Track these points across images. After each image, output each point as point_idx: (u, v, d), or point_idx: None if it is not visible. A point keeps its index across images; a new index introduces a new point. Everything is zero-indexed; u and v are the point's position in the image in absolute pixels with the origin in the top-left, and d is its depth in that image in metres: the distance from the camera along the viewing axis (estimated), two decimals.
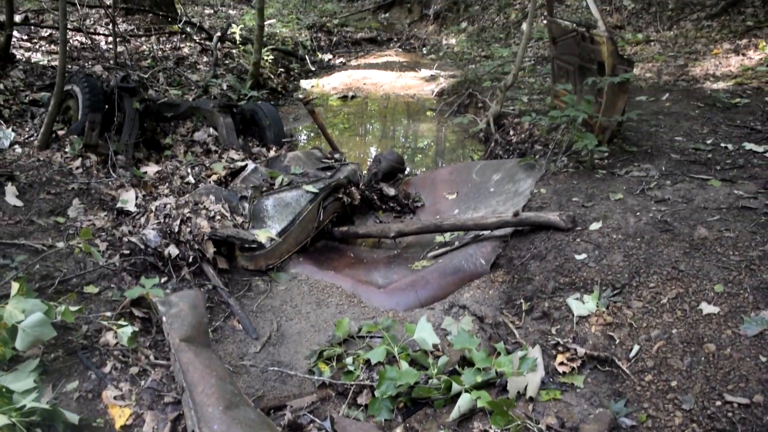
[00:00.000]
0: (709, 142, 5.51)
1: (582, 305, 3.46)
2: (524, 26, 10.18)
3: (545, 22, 6.83)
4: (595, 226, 4.08)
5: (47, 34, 8.76)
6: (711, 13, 9.59)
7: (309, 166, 5.47)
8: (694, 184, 4.55)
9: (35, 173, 5.00)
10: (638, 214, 4.11)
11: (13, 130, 5.72)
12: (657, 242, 3.72)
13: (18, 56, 7.42)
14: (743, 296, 3.10)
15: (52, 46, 8.28)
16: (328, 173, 5.34)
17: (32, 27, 8.78)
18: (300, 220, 4.78)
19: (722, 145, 5.40)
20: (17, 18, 8.45)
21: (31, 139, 5.67)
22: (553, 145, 5.65)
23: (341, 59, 13.18)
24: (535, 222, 4.27)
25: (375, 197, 5.60)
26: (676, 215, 3.99)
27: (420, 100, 9.80)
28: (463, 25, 14.07)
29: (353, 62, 12.90)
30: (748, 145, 5.29)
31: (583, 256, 3.83)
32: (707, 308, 3.10)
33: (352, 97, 10.01)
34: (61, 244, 4.07)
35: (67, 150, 5.47)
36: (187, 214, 4.37)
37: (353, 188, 5.34)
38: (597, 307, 3.40)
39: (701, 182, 4.58)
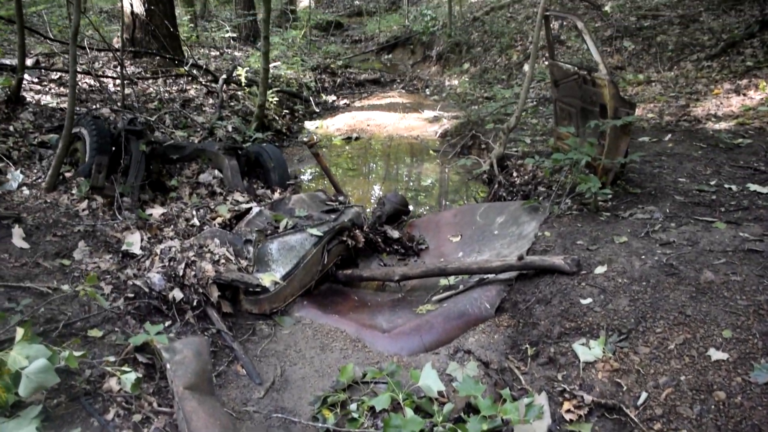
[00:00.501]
0: (712, 183, 5.53)
1: (588, 351, 3.43)
2: (526, 67, 10.32)
3: (547, 63, 6.92)
4: (600, 269, 4.07)
5: (57, 77, 8.88)
6: (711, 53, 9.70)
7: (313, 208, 5.49)
8: (699, 226, 4.55)
9: (42, 215, 5.03)
10: (643, 257, 4.10)
11: (21, 172, 5.77)
12: (663, 286, 3.70)
13: (28, 98, 7.52)
14: (752, 342, 3.07)
15: (62, 89, 8.39)
16: (333, 216, 5.36)
17: (43, 70, 8.90)
18: (304, 264, 4.78)
19: (726, 186, 5.41)
20: (29, 62, 8.59)
21: (39, 180, 5.72)
22: (556, 187, 5.68)
23: (345, 100, 13.32)
24: (540, 266, 4.27)
25: (379, 240, 5.61)
26: (681, 258, 3.98)
27: (423, 141, 9.88)
28: (466, 66, 14.24)
29: (357, 103, 13.04)
30: (753, 186, 5.30)
31: (589, 300, 3.81)
32: (716, 354, 3.07)
33: (356, 138, 10.08)
34: (66, 287, 4.08)
35: (74, 192, 5.51)
36: (192, 258, 4.38)
37: (357, 231, 5.35)
38: (603, 352, 3.38)
39: (706, 224, 4.57)
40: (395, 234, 5.73)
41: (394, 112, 11.70)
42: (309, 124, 11.06)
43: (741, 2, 10.83)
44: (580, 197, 5.43)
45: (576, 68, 5.90)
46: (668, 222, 4.72)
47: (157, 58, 10.45)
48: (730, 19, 10.47)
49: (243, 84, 10.78)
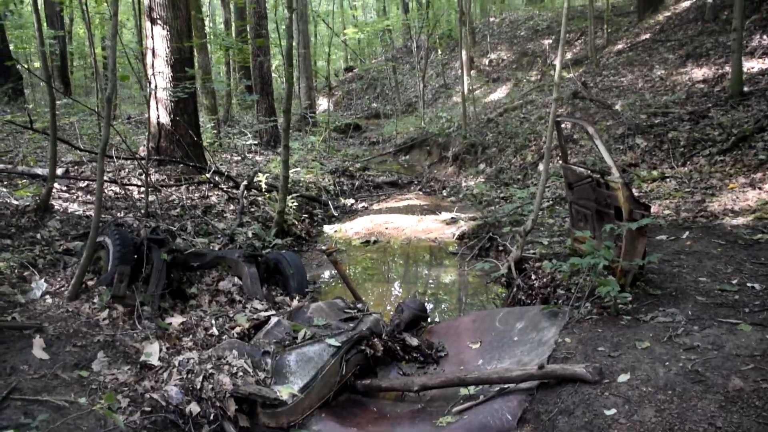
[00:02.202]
0: (734, 282, 5.46)
1: None
2: (541, 167, 10.49)
3: (560, 163, 7.05)
4: (623, 377, 3.98)
5: (85, 184, 9.18)
6: (722, 148, 9.80)
7: (332, 317, 5.49)
8: (723, 329, 4.47)
9: (63, 324, 5.08)
10: (667, 363, 4.02)
11: (45, 281, 5.89)
12: (690, 395, 3.60)
13: (56, 206, 7.76)
14: None
15: (89, 197, 8.65)
16: (351, 324, 5.35)
17: (71, 179, 9.22)
18: (323, 375, 4.73)
19: (749, 285, 5.34)
20: (59, 171, 8.90)
21: (62, 289, 5.82)
22: (575, 290, 5.64)
23: (363, 203, 13.51)
24: (561, 375, 4.19)
25: (398, 348, 5.55)
26: (707, 364, 3.89)
27: (441, 243, 9.93)
28: (481, 166, 14.50)
29: (375, 206, 13.22)
30: None
31: (613, 411, 3.70)
32: None
33: (375, 241, 10.16)
34: (83, 400, 4.07)
35: (95, 301, 5.58)
36: (210, 370, 4.36)
37: (376, 340, 5.31)
38: None
39: (730, 327, 4.49)
40: (414, 341, 5.68)
41: (412, 215, 11.84)
42: (328, 228, 11.21)
43: (747, 98, 11.06)
44: (599, 300, 5.38)
45: (589, 171, 6.00)
46: (691, 325, 4.64)
47: (181, 165, 10.79)
48: (738, 114, 10.65)
49: (263, 189, 11.04)
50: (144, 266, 6.05)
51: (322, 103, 29.89)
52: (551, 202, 10.17)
